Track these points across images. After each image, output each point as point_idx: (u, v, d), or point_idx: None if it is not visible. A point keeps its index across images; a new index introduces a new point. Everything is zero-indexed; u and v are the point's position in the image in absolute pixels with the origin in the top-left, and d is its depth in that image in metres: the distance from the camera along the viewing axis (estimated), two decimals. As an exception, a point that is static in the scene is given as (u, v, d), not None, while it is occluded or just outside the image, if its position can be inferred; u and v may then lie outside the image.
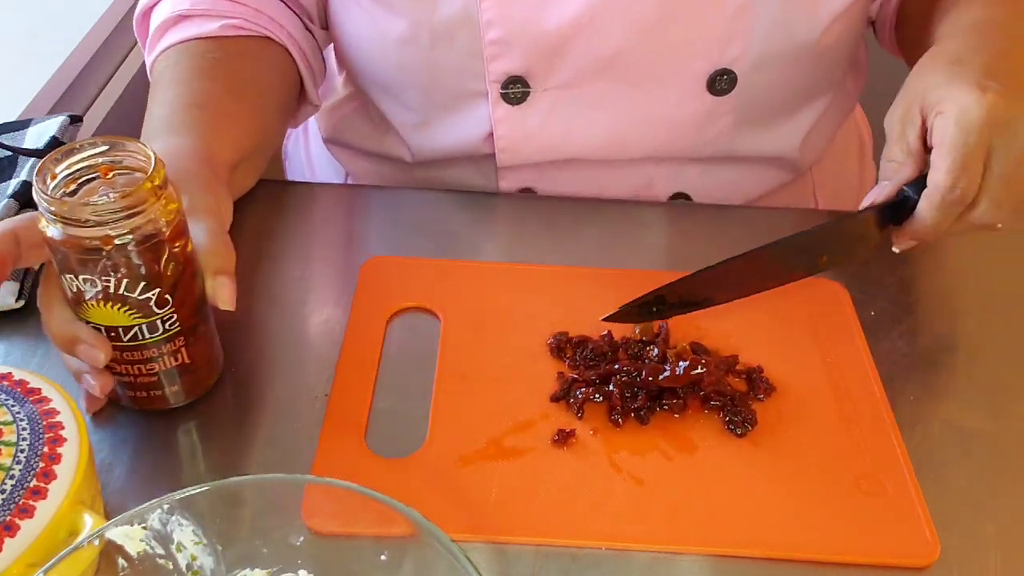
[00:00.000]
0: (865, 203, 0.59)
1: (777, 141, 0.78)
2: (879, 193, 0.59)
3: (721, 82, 0.70)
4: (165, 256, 0.52)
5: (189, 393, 0.58)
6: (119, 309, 0.52)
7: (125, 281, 0.51)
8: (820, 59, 0.72)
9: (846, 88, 0.82)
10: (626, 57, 0.69)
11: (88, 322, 0.53)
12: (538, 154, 0.75)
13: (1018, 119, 0.55)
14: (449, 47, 0.71)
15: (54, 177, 0.51)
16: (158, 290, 0.52)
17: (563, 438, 0.56)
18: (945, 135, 0.55)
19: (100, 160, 0.52)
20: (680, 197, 0.81)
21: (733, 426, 0.57)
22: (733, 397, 0.58)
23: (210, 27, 0.70)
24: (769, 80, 0.72)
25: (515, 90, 0.71)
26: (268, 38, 0.73)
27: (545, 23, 0.68)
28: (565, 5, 0.67)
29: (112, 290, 0.51)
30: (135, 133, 0.53)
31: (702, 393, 0.58)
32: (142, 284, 0.51)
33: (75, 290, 0.51)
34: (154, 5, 0.73)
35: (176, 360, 0.56)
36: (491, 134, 0.75)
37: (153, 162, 0.51)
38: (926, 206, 0.56)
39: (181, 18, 0.71)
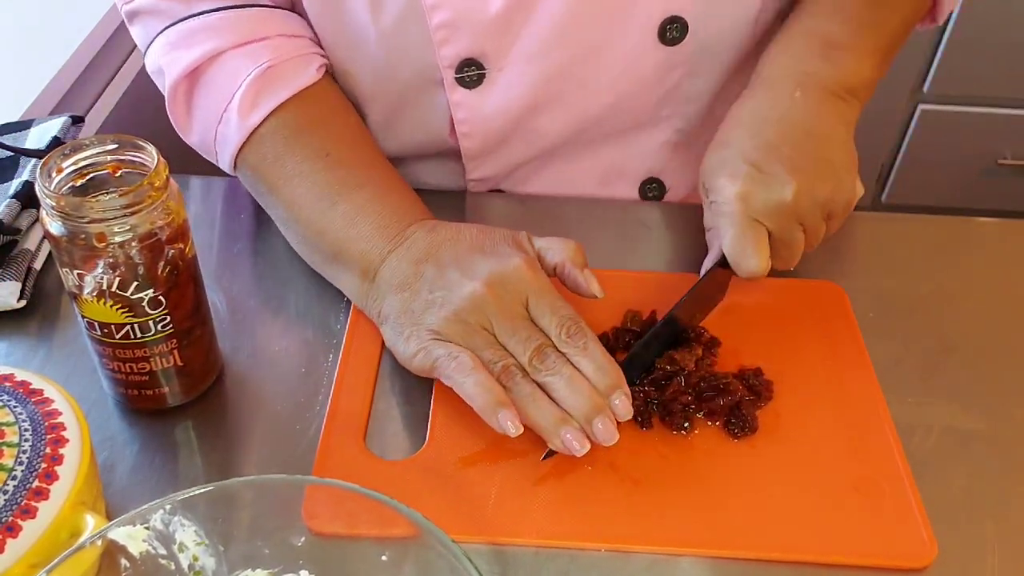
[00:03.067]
0: (704, 268, 0.65)
1: (731, 96, 0.74)
2: (709, 259, 0.65)
3: (672, 31, 0.70)
4: (162, 257, 0.52)
5: (182, 394, 0.58)
6: (112, 307, 0.52)
7: (119, 279, 0.51)
8: (775, 4, 0.72)
9: None
10: (574, 23, 0.68)
11: (83, 317, 0.53)
12: (500, 133, 0.74)
13: (772, 187, 0.61)
14: (400, 38, 0.69)
15: (59, 172, 0.51)
16: (151, 291, 0.52)
17: None
18: (717, 222, 0.63)
19: (108, 158, 0.52)
20: (652, 182, 0.80)
21: (734, 430, 0.57)
22: (737, 404, 0.58)
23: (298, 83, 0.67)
24: (720, 27, 0.71)
25: (470, 73, 0.70)
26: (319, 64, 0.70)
27: (489, 2, 0.66)
28: None
29: (106, 287, 0.51)
30: (136, 134, 0.53)
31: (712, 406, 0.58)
32: (135, 284, 0.51)
33: (74, 284, 0.52)
34: (208, 62, 0.66)
35: (168, 362, 0.56)
36: (451, 120, 0.73)
37: (156, 162, 0.51)
38: (735, 267, 0.62)
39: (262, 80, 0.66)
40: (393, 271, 0.61)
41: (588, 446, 0.53)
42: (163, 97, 0.68)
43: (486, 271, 0.58)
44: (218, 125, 0.66)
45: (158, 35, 0.67)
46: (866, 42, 0.69)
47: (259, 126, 0.65)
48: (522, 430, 0.53)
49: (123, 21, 0.71)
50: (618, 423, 0.54)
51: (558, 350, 0.55)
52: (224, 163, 0.68)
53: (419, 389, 0.60)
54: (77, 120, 0.76)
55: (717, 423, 0.58)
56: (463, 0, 0.66)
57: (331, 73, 0.72)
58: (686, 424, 0.57)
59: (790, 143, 0.62)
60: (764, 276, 0.61)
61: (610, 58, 0.71)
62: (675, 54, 0.71)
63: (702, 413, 0.58)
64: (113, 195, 0.49)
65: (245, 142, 0.65)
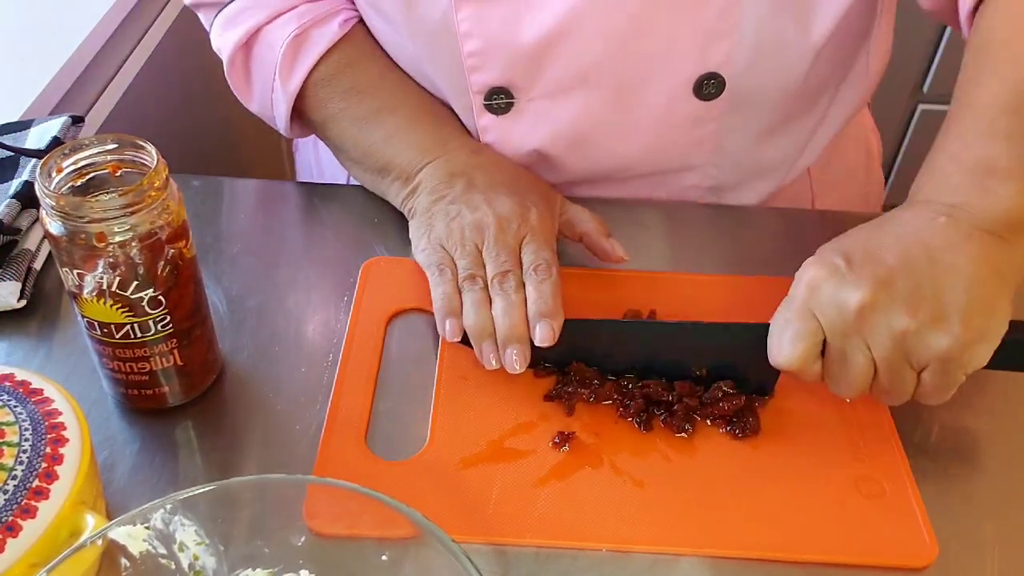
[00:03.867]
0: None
1: (769, 149, 0.77)
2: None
3: (708, 86, 0.69)
4: (162, 257, 0.52)
5: (183, 394, 0.58)
6: (112, 306, 0.52)
7: (119, 279, 0.51)
8: (815, 61, 0.71)
9: (847, 93, 0.80)
10: (608, 65, 0.68)
11: (83, 316, 0.53)
12: (527, 165, 0.75)
13: (844, 285, 0.52)
14: (432, 55, 0.71)
15: (59, 171, 0.51)
16: (151, 290, 0.52)
17: (563, 440, 0.56)
18: (785, 298, 0.56)
19: (108, 158, 0.52)
20: None
21: (736, 431, 0.57)
22: (741, 408, 0.58)
23: (331, 32, 0.72)
24: (760, 84, 0.71)
25: (499, 101, 0.71)
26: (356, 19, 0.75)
27: (522, 35, 0.67)
28: (541, 17, 0.66)
29: (105, 287, 0.51)
30: (136, 134, 0.53)
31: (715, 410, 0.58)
32: (135, 283, 0.51)
33: (74, 284, 0.52)
34: (251, 38, 0.73)
35: (168, 361, 0.56)
36: (477, 141, 0.74)
37: (156, 162, 0.51)
38: (768, 348, 0.56)
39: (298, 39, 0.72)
40: (430, 176, 0.68)
41: (495, 365, 0.58)
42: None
43: (504, 208, 0.64)
44: (271, 94, 0.74)
45: (213, 20, 0.75)
46: None
47: (301, 88, 0.72)
48: (458, 338, 0.59)
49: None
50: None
51: (521, 281, 0.60)
52: (281, 127, 0.76)
53: (420, 389, 0.60)
54: (77, 120, 0.76)
55: (720, 428, 0.58)
56: (496, 30, 0.67)
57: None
58: (687, 427, 0.57)
59: (903, 259, 0.52)
60: (798, 373, 0.54)
61: (641, 105, 0.71)
62: (710, 108, 0.71)
63: (708, 418, 0.58)
64: (113, 195, 0.49)
65: (292, 105, 0.73)
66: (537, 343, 0.58)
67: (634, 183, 0.78)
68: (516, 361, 0.58)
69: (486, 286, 0.61)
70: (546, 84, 0.70)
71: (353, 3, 0.75)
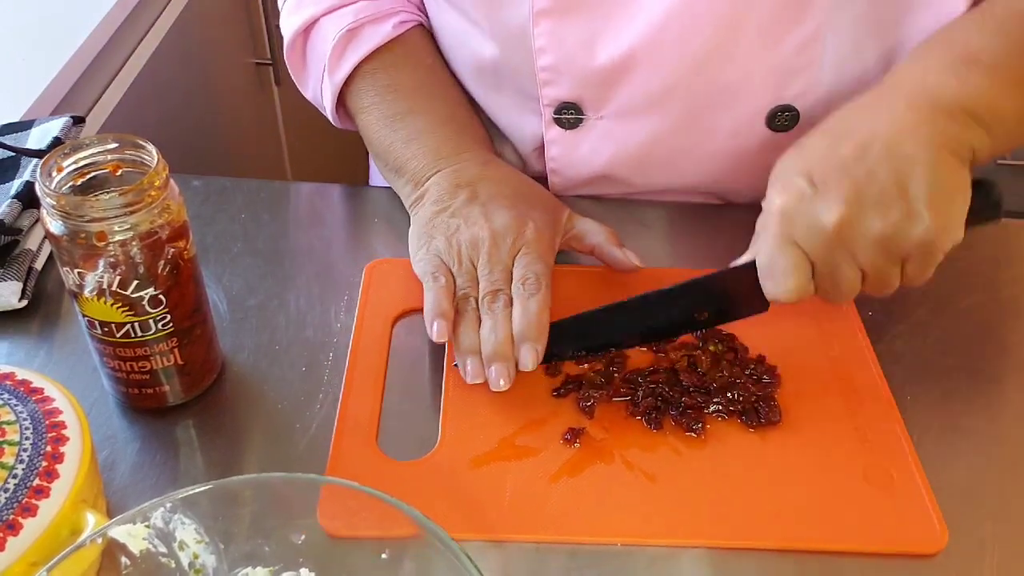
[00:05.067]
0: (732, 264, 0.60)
1: None
2: (742, 258, 0.60)
3: (782, 119, 0.68)
4: (162, 256, 0.52)
5: (183, 393, 0.58)
6: (113, 305, 0.52)
7: (119, 278, 0.51)
8: None
9: None
10: (680, 91, 0.68)
11: (83, 315, 0.53)
12: (588, 178, 0.75)
13: (816, 209, 0.54)
14: (509, 59, 0.71)
15: (60, 171, 0.51)
16: (152, 289, 0.52)
17: (574, 436, 0.57)
18: (759, 234, 0.58)
19: (109, 158, 0.52)
20: None
21: (752, 421, 0.58)
22: (762, 398, 0.58)
23: (384, 32, 0.73)
24: None
25: (568, 116, 0.71)
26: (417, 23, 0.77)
27: (597, 55, 0.67)
28: (618, 38, 0.66)
29: (106, 286, 0.51)
30: (136, 134, 0.53)
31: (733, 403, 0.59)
32: (135, 283, 0.51)
33: (74, 283, 0.52)
34: (310, 27, 0.75)
35: (169, 360, 0.56)
36: (542, 148, 0.75)
37: (156, 162, 0.51)
38: (762, 286, 0.57)
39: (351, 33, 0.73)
40: (437, 185, 0.68)
41: (479, 380, 0.58)
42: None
43: (500, 222, 0.64)
44: (321, 83, 0.75)
45: (284, 3, 0.77)
46: (1014, 69, 0.58)
47: (346, 81, 0.74)
48: (444, 338, 0.59)
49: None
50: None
51: (511, 299, 0.60)
52: (328, 115, 0.77)
53: (428, 389, 0.60)
54: (78, 120, 0.76)
55: (737, 418, 0.58)
56: (571, 48, 0.67)
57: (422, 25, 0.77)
58: (697, 425, 0.57)
59: (864, 163, 0.54)
60: (794, 302, 0.56)
61: (711, 133, 0.71)
62: (784, 139, 0.69)
63: (718, 414, 0.58)
64: (113, 194, 0.50)
65: (337, 95, 0.75)
66: (520, 368, 0.58)
67: (696, 198, 0.77)
68: (494, 378, 0.57)
69: (478, 306, 0.61)
70: (617, 104, 0.70)
71: (416, 7, 0.76)
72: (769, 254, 0.56)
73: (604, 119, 0.71)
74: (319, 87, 0.76)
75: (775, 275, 0.56)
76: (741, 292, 0.59)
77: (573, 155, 0.74)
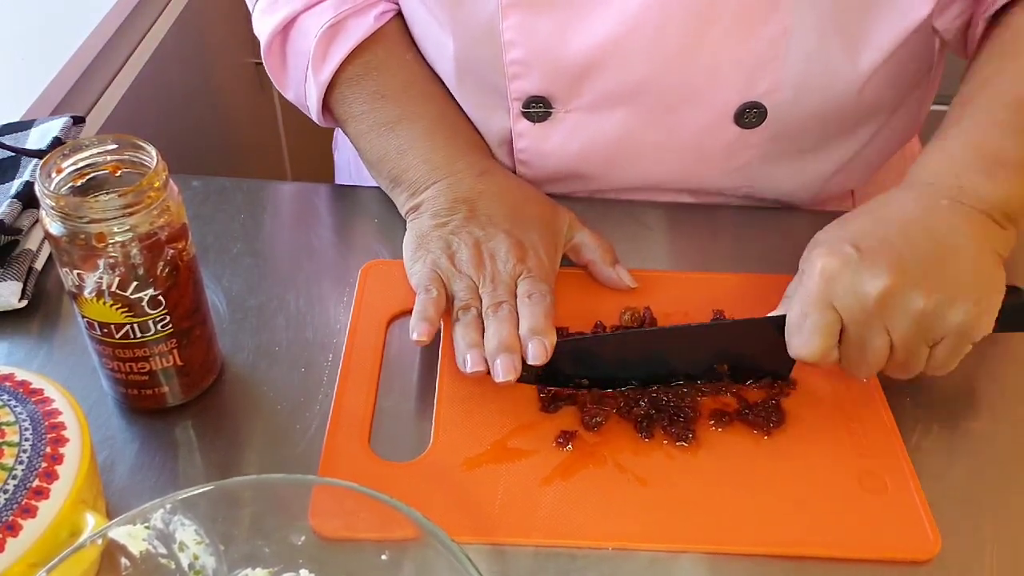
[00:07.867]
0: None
1: (806, 173, 0.76)
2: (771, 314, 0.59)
3: (750, 115, 0.69)
4: (162, 257, 0.52)
5: (182, 394, 0.58)
6: (112, 306, 0.52)
7: (118, 279, 0.51)
8: (863, 93, 0.69)
9: (893, 121, 0.77)
10: (651, 85, 0.68)
11: (83, 316, 0.53)
12: (558, 172, 0.75)
13: (862, 275, 0.54)
14: (473, 56, 0.71)
15: (59, 172, 0.51)
16: (151, 290, 0.52)
17: (566, 439, 0.56)
18: (795, 292, 0.57)
19: (108, 158, 0.52)
20: None
21: (764, 425, 0.57)
22: (768, 400, 0.59)
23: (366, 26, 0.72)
24: (803, 114, 0.70)
25: (536, 109, 0.71)
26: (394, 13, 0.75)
27: (567, 48, 0.67)
28: (589, 31, 0.66)
29: (105, 287, 0.51)
30: (136, 134, 0.53)
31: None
32: (135, 284, 0.51)
33: (74, 284, 0.52)
34: (288, 25, 0.73)
35: (168, 361, 0.56)
36: (510, 143, 0.74)
37: (155, 162, 0.51)
38: (787, 341, 0.57)
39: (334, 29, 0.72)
40: (434, 198, 0.68)
41: (481, 369, 0.57)
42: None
43: (500, 250, 0.64)
44: (304, 83, 0.74)
45: (256, 4, 0.75)
46: None
47: (331, 79, 0.73)
48: (425, 341, 0.59)
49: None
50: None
51: (515, 308, 0.60)
52: (313, 115, 0.76)
53: (422, 391, 0.60)
54: (78, 120, 0.76)
55: (739, 421, 0.58)
56: (541, 42, 0.67)
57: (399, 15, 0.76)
58: (688, 435, 0.57)
59: (910, 244, 0.55)
60: (818, 362, 0.56)
61: (680, 128, 0.71)
62: (750, 136, 0.70)
63: (720, 416, 0.58)
64: (113, 195, 0.50)
65: (324, 95, 0.73)
66: (529, 361, 0.57)
67: (665, 195, 0.77)
68: (502, 369, 0.57)
69: (479, 315, 0.61)
70: (586, 98, 0.70)
71: None
72: (802, 311, 0.55)
73: (572, 113, 0.71)
74: (302, 88, 0.75)
75: (804, 332, 0.55)
76: (764, 345, 0.58)
77: (542, 147, 0.73)
